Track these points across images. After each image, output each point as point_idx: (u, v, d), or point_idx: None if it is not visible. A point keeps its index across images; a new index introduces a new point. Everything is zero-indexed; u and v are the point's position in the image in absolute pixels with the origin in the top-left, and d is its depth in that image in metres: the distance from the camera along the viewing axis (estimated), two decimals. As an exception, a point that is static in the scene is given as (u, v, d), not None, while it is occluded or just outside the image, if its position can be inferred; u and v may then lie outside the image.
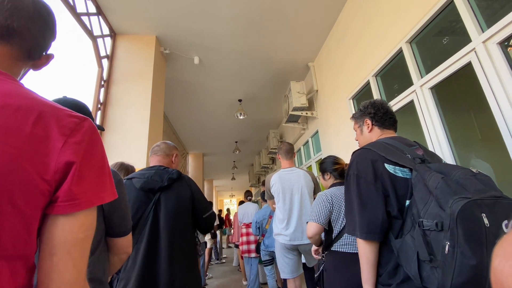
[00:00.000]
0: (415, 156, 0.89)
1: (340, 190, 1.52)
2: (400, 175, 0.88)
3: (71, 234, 0.38)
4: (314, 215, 1.48)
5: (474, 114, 1.76)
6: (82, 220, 0.40)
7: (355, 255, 1.29)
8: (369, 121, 1.11)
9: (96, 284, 0.76)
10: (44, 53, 0.51)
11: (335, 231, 1.45)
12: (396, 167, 0.89)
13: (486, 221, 0.61)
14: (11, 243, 0.34)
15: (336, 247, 1.40)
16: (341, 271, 1.34)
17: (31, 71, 0.53)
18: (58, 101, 0.90)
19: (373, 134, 1.10)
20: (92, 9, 2.64)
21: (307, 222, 1.52)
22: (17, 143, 0.35)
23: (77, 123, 0.41)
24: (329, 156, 1.73)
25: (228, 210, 11.78)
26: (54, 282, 0.36)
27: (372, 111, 1.10)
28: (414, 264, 0.74)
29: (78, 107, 0.93)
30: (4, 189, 0.33)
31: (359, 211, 0.89)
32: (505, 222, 0.60)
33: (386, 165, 0.89)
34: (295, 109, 3.93)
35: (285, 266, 2.06)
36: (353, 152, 1.02)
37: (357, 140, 1.21)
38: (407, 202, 0.84)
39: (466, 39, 1.48)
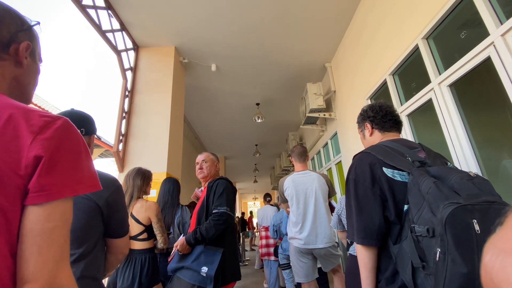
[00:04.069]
0: (416, 159, 0.86)
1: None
2: (399, 179, 0.85)
3: (38, 224, 0.40)
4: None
5: (497, 112, 1.63)
6: (50, 210, 0.41)
7: None
8: (369, 125, 1.10)
9: (90, 281, 0.84)
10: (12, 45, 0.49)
11: None
12: (395, 171, 0.86)
13: (477, 227, 0.58)
14: None
15: (351, 250, 1.39)
16: (354, 276, 1.32)
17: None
18: (65, 113, 1.00)
19: (374, 137, 1.08)
20: (116, 25, 2.86)
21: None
22: None
23: (48, 121, 0.44)
24: None
25: (251, 212, 11.83)
26: (20, 270, 0.38)
27: (371, 114, 1.08)
28: (409, 270, 0.72)
29: (81, 117, 1.01)
30: None
31: (356, 216, 0.88)
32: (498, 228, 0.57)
33: (384, 169, 0.87)
34: (312, 110, 3.89)
35: (300, 270, 2.04)
36: (354, 156, 1.01)
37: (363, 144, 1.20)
38: (406, 207, 0.82)
39: (485, 32, 1.39)
